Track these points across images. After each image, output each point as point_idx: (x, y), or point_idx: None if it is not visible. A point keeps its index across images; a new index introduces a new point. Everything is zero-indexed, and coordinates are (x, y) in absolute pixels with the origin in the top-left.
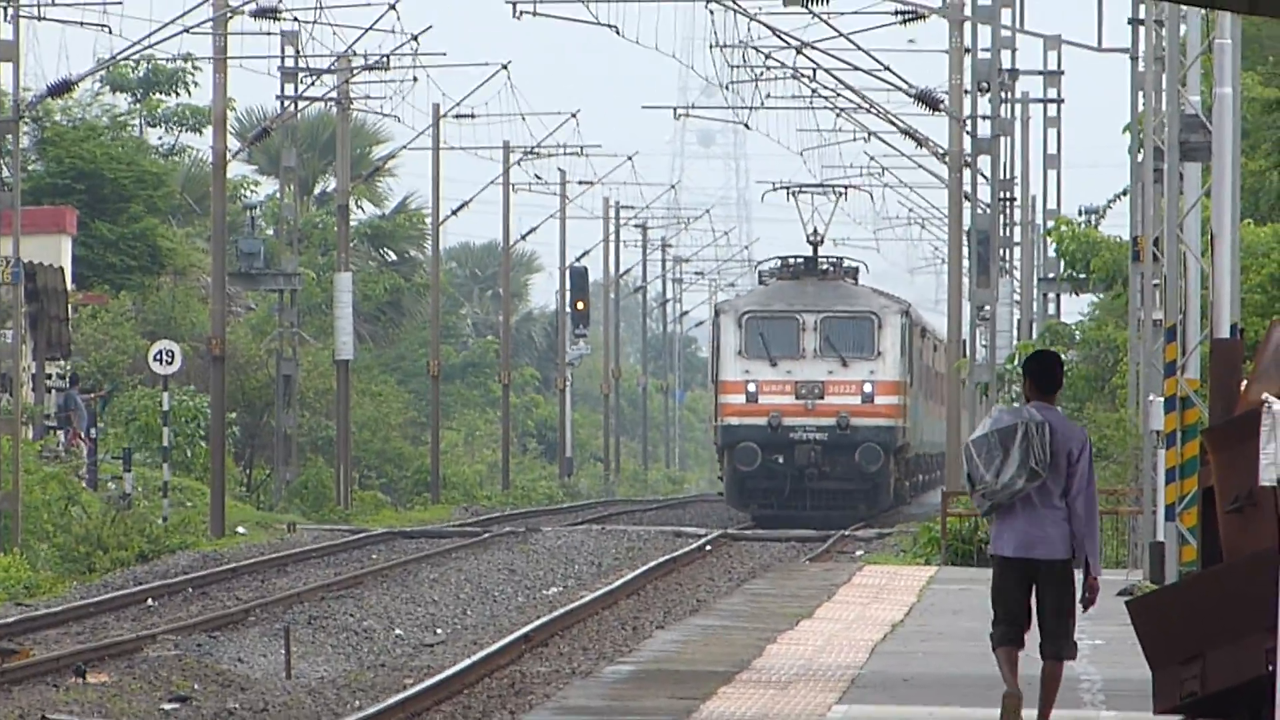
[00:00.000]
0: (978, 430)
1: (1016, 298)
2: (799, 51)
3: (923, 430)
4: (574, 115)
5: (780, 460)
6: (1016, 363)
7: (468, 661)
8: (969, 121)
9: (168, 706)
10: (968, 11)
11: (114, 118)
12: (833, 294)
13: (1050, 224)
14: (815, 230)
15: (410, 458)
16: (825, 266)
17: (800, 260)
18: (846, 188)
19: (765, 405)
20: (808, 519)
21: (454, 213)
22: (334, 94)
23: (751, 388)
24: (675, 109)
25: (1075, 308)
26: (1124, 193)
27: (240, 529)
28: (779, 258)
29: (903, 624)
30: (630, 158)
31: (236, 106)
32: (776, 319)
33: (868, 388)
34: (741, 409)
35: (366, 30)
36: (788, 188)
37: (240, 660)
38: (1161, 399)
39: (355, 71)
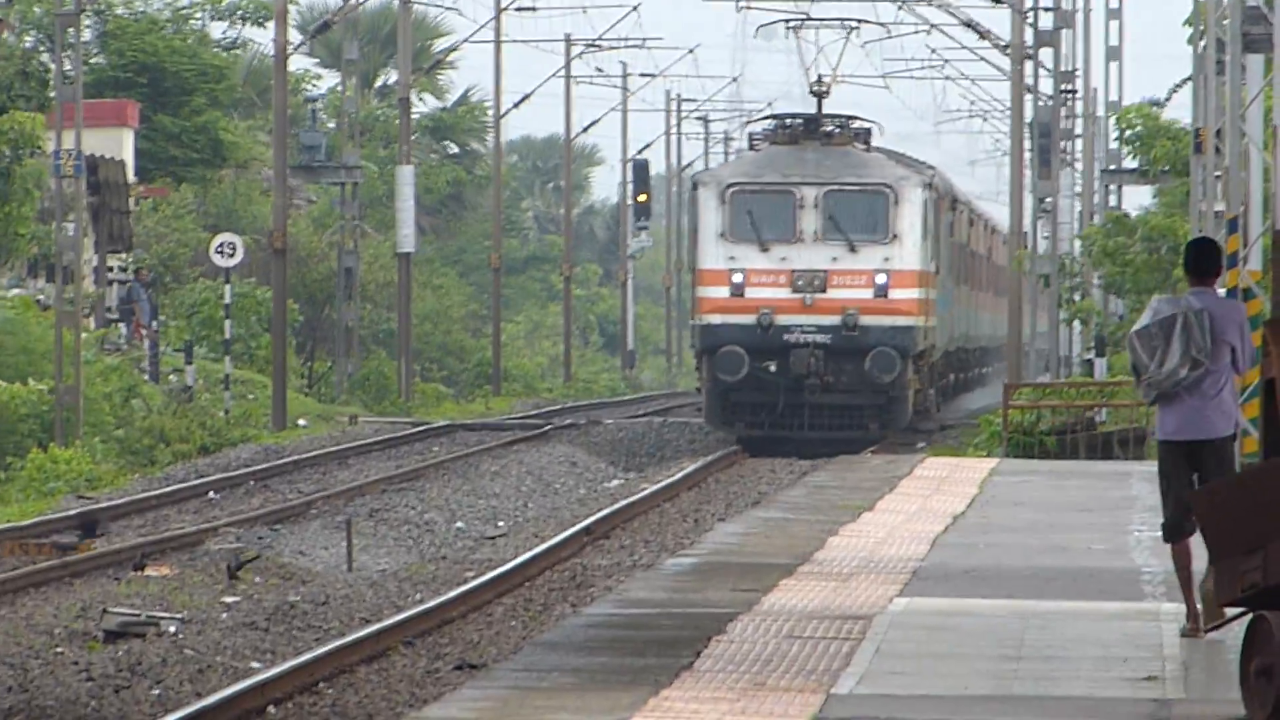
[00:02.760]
0: (1140, 321)
1: (1078, 189)
2: None
3: (955, 324)
4: (635, 8)
5: (772, 368)
6: (1082, 249)
7: (529, 554)
8: (1031, 13)
9: (228, 600)
10: None
11: (176, 11)
12: (839, 162)
13: (1114, 116)
14: (819, 79)
15: (471, 351)
16: (830, 128)
17: (798, 120)
18: (861, 22)
19: (754, 300)
20: (805, 442)
21: (515, 106)
22: None
23: (737, 278)
24: (736, 1)
25: (1136, 200)
26: (1185, 81)
27: (301, 422)
28: (772, 116)
29: (964, 516)
30: (691, 50)
31: (298, 0)
32: (768, 193)
33: (881, 278)
34: (724, 305)
35: None
36: (785, 21)
37: (302, 553)
38: (1223, 290)
39: None
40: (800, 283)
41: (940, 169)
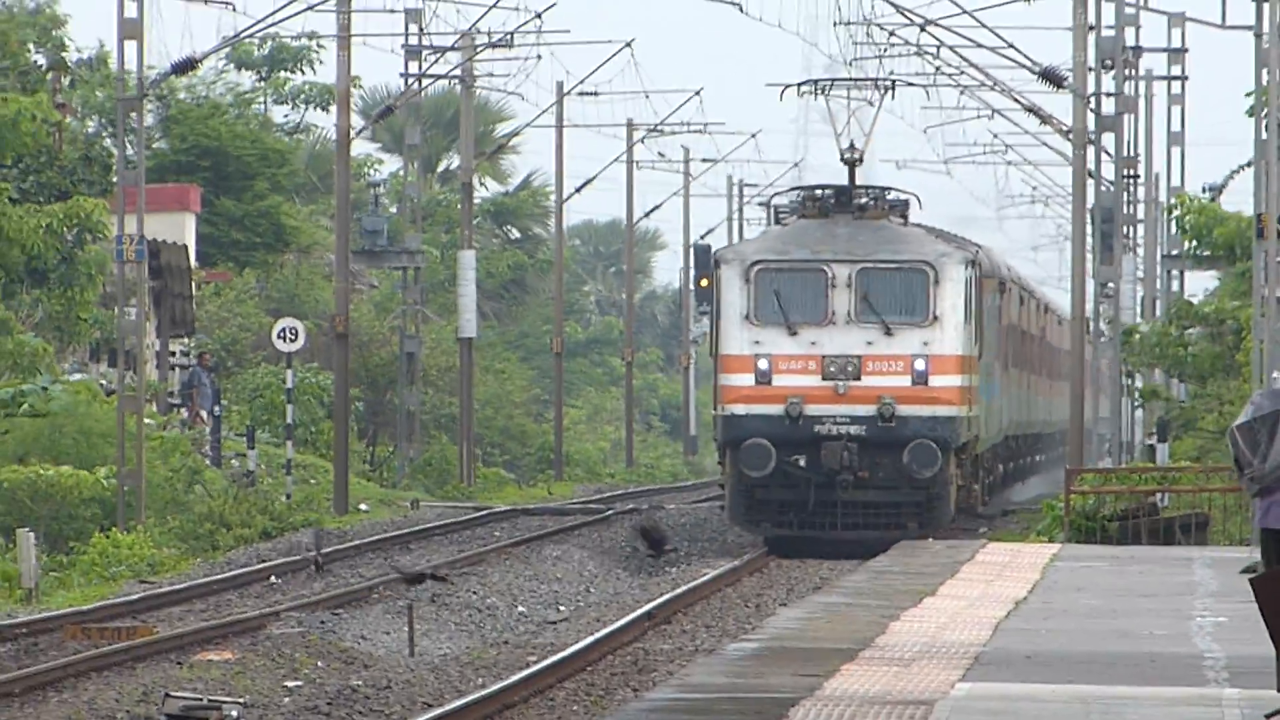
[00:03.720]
0: (1240, 416)
1: (1140, 275)
2: (923, 29)
3: (1004, 413)
4: (697, 93)
5: (802, 462)
6: (1136, 338)
7: (591, 639)
8: (1093, 99)
9: (290, 684)
10: None
11: (238, 95)
12: (873, 237)
13: (1173, 201)
14: (851, 144)
15: (533, 435)
16: (863, 200)
17: (828, 192)
18: (894, 82)
19: (781, 389)
20: (837, 543)
21: (577, 190)
22: (458, 72)
23: (763, 365)
24: (798, 86)
25: (1198, 285)
26: (1245, 166)
27: (363, 506)
28: (800, 188)
29: (1026, 601)
30: (754, 135)
31: (361, 84)
32: (796, 271)
33: (920, 364)
34: (750, 394)
35: (490, 8)
36: (815, 84)
37: (363, 638)
38: None
39: (479, 49)
40: (832, 369)
41: (990, 248)
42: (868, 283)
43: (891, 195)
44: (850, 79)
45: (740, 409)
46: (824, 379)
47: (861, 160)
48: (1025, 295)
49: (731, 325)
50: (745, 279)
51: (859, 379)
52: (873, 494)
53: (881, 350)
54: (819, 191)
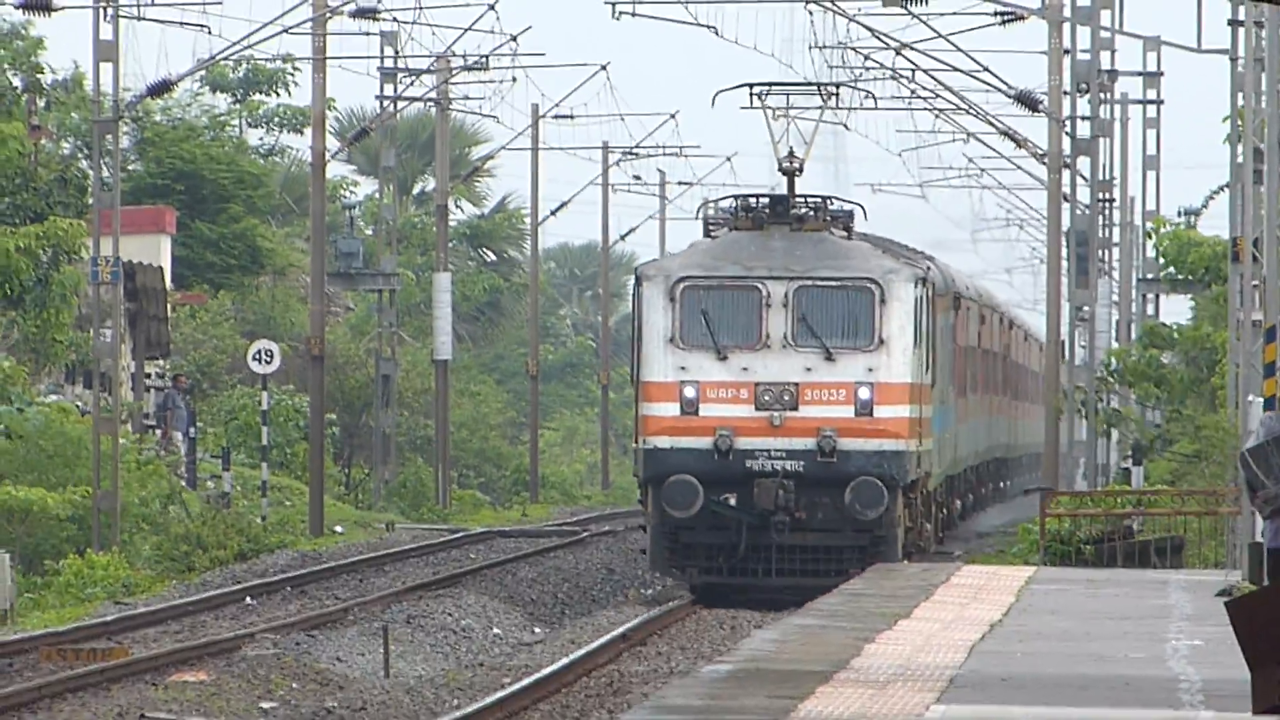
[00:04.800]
0: (1252, 439)
1: (1115, 298)
2: (898, 52)
3: (961, 443)
4: (673, 116)
5: (732, 502)
6: (1113, 367)
7: (566, 660)
8: (1068, 122)
9: (265, 705)
10: (1067, 13)
11: (213, 118)
12: (813, 251)
13: (1149, 225)
14: (790, 152)
15: (509, 457)
16: (802, 210)
17: (763, 202)
18: (839, 85)
19: (710, 419)
20: (772, 590)
21: (553, 213)
22: (433, 94)
23: (689, 393)
24: (774, 110)
25: (1173, 309)
26: (1220, 190)
27: (339, 528)
28: (734, 196)
29: (1001, 624)
30: (729, 159)
31: (336, 107)
32: (727, 289)
33: (864, 393)
34: (674, 425)
35: (466, 30)
36: (751, 87)
37: (339, 659)
38: (1261, 399)
39: (454, 72)
40: (766, 398)
41: (948, 264)
42: (806, 302)
43: (834, 205)
44: (791, 83)
45: (664, 442)
46: (757, 409)
47: (801, 170)
48: (986, 312)
49: (654, 349)
50: (670, 297)
51: (796, 409)
52: (811, 537)
53: (821, 377)
54: (753, 200)
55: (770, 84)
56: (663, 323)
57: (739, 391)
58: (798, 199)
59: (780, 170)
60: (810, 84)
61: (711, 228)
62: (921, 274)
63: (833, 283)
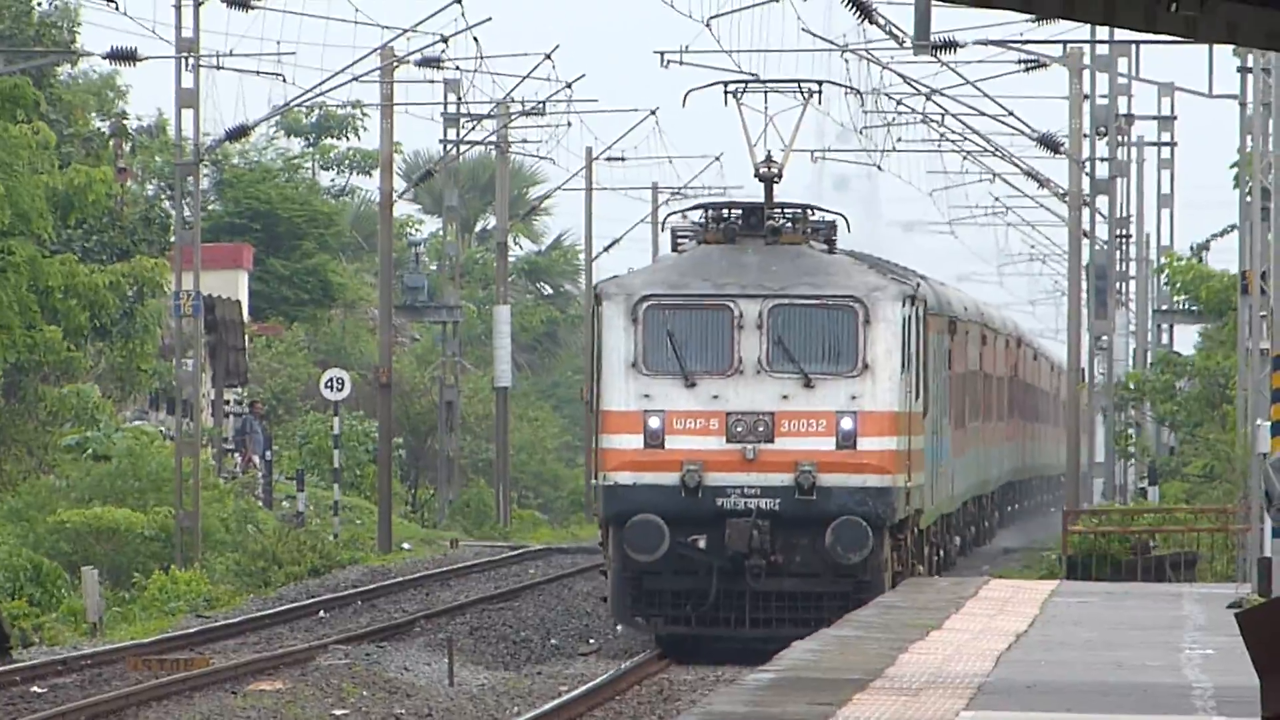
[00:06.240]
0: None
1: (1132, 328)
2: (929, 98)
3: (958, 478)
4: (718, 158)
5: (702, 544)
6: (1132, 387)
7: (619, 669)
8: (1088, 163)
9: (338, 713)
10: (1087, 60)
11: (287, 161)
12: (790, 267)
13: (1162, 260)
14: (768, 156)
15: (565, 479)
16: (778, 222)
17: (736, 212)
18: (821, 83)
19: (677, 453)
20: (745, 641)
21: (606, 249)
22: (493, 138)
23: (654, 424)
24: (812, 153)
25: (1187, 339)
26: (1231, 228)
27: (406, 545)
28: (702, 205)
29: (1026, 634)
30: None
31: (402, 150)
32: (695, 309)
33: (846, 424)
34: (637, 459)
35: (524, 78)
36: (726, 85)
37: (406, 668)
38: (1268, 423)
39: (513, 117)
40: (739, 429)
41: (943, 282)
42: (783, 323)
43: (815, 216)
44: (770, 80)
45: (625, 477)
46: (729, 441)
47: (780, 176)
48: (988, 333)
49: (615, 375)
50: (632, 318)
51: (772, 441)
52: (788, 583)
53: (799, 406)
54: (725, 211)
55: (746, 81)
56: (624, 346)
57: (709, 422)
58: (774, 209)
59: (756, 176)
60: (790, 80)
61: (679, 240)
62: (910, 291)
63: (812, 301)
